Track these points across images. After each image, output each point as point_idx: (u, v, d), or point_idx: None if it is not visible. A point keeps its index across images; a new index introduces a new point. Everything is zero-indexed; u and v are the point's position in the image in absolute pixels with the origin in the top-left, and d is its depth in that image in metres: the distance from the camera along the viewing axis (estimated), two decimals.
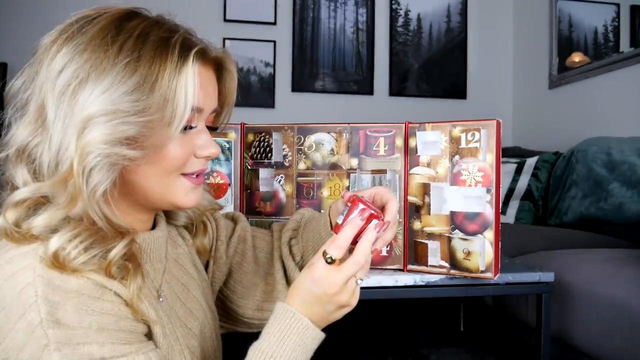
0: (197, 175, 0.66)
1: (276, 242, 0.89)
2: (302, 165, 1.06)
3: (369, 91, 3.25)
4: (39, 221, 0.55)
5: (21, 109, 0.60)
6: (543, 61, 3.00)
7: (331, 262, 0.63)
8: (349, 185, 1.04)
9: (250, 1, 3.09)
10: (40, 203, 0.57)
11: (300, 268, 0.86)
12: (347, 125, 1.04)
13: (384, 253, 1.03)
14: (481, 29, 3.37)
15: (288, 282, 0.86)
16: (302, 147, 1.06)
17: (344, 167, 1.04)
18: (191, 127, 0.63)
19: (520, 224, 2.32)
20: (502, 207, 2.41)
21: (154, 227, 0.71)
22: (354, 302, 0.65)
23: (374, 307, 2.20)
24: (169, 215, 0.78)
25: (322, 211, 1.04)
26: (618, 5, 2.56)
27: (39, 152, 0.57)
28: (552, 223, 2.25)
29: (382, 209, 0.74)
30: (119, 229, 0.59)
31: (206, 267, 0.84)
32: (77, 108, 0.55)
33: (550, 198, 2.33)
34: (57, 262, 0.53)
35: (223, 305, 0.86)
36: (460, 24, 3.34)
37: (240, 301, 0.85)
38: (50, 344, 0.50)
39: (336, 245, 0.63)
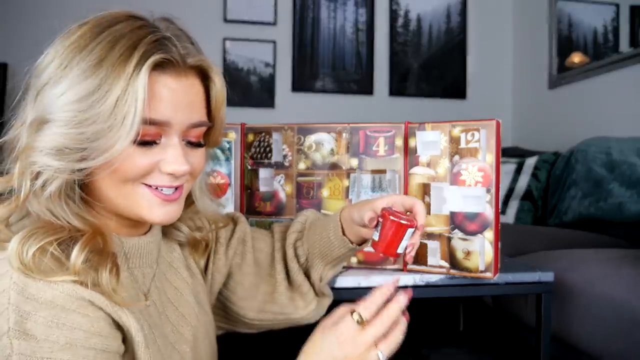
0: (165, 191, 0.62)
1: (277, 243, 0.88)
2: (302, 165, 1.06)
3: (369, 91, 3.26)
4: None
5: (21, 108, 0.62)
6: (543, 61, 3.00)
7: (361, 322, 0.60)
8: (348, 186, 1.04)
9: (250, 1, 3.09)
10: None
11: (305, 270, 0.86)
12: (347, 125, 1.04)
13: None
14: (481, 29, 3.37)
15: (290, 283, 0.86)
16: (302, 147, 1.06)
17: (344, 167, 1.04)
18: (155, 143, 0.59)
19: (520, 224, 2.33)
20: (501, 207, 2.41)
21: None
22: None
23: None
24: (165, 230, 0.76)
25: (322, 211, 1.04)
26: (617, 5, 2.56)
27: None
28: (551, 223, 2.25)
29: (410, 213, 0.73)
30: (79, 228, 0.58)
31: (205, 269, 0.83)
32: (40, 108, 0.57)
33: (550, 198, 2.33)
34: (25, 265, 0.52)
35: (223, 306, 0.86)
36: (460, 24, 3.34)
37: (240, 302, 0.84)
38: (13, 354, 0.49)
39: (367, 307, 0.61)
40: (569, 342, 1.35)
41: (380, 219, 0.67)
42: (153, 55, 0.57)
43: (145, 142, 0.58)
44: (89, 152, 0.55)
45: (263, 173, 1.07)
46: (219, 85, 0.66)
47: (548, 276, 1.06)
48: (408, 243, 0.67)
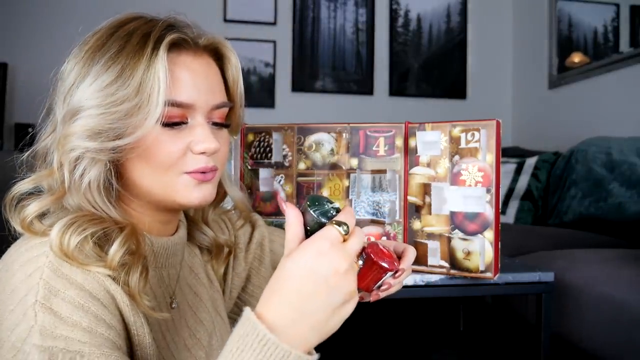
0: (205, 173, 0.63)
1: None
2: (302, 165, 1.06)
3: (369, 91, 3.26)
4: (30, 208, 0.58)
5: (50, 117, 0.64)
6: (543, 61, 3.00)
7: (346, 233, 0.49)
8: (349, 186, 1.04)
9: (250, 1, 3.09)
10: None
11: None
12: (347, 125, 1.04)
13: None
14: (481, 29, 3.37)
15: None
16: (302, 147, 1.06)
17: (344, 167, 1.04)
18: (183, 123, 0.61)
19: (520, 224, 2.33)
20: (502, 207, 2.41)
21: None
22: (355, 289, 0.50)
23: (373, 307, 2.20)
24: (190, 232, 0.76)
25: None
26: (618, 5, 2.56)
27: (52, 156, 0.60)
28: (551, 223, 2.25)
29: (400, 257, 0.68)
30: (116, 219, 0.59)
31: (224, 275, 0.82)
32: (69, 105, 0.59)
33: (550, 198, 2.33)
34: (64, 252, 0.54)
35: (240, 311, 0.85)
36: (460, 23, 3.34)
37: None
38: (36, 326, 0.50)
39: (347, 215, 0.51)
40: (569, 342, 1.35)
41: (364, 254, 0.64)
42: (167, 35, 0.59)
43: (172, 124, 0.60)
44: (122, 130, 0.57)
45: (263, 173, 1.07)
46: (234, 62, 0.67)
47: (548, 276, 1.06)
48: (384, 282, 0.64)
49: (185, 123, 0.61)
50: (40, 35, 2.85)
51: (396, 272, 0.63)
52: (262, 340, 0.44)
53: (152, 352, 0.59)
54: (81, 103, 0.57)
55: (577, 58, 2.76)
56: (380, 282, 0.63)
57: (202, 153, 0.62)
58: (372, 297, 0.65)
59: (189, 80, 0.60)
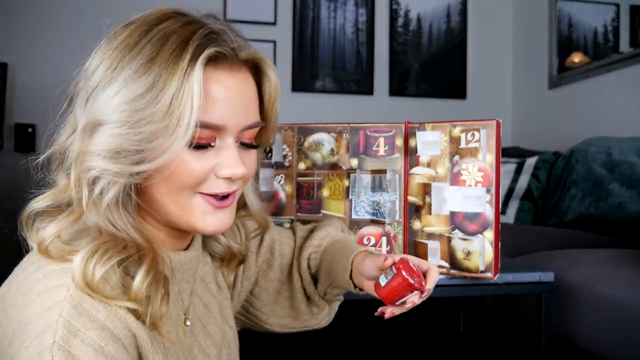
0: (222, 198, 0.59)
1: (297, 251, 0.86)
2: (302, 165, 1.06)
3: (369, 91, 3.26)
4: (48, 231, 0.53)
5: (70, 114, 0.59)
6: (543, 61, 3.00)
7: None
8: (349, 186, 1.04)
9: (250, 1, 3.09)
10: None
11: (314, 281, 0.84)
12: (347, 125, 1.04)
13: (383, 253, 1.03)
14: (481, 29, 3.37)
15: (305, 292, 0.85)
16: (302, 147, 1.06)
17: (344, 167, 1.04)
18: (210, 145, 0.56)
19: (520, 224, 2.32)
20: (502, 207, 2.41)
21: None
22: None
23: (373, 307, 2.19)
24: (203, 241, 0.73)
25: (322, 211, 1.04)
26: (618, 5, 2.56)
27: (71, 160, 0.56)
28: (551, 223, 2.25)
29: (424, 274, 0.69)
30: (138, 241, 0.55)
31: (234, 279, 0.80)
32: (91, 112, 0.54)
33: (550, 198, 2.33)
34: (88, 284, 0.50)
35: (246, 312, 0.85)
36: (460, 24, 3.34)
37: (264, 308, 0.83)
38: None
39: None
40: (569, 342, 1.35)
41: (394, 269, 0.66)
42: (206, 48, 0.54)
43: (199, 146, 0.55)
44: (146, 154, 0.52)
45: (263, 173, 1.07)
46: (273, 80, 0.63)
47: (548, 276, 1.06)
48: (409, 299, 0.66)
49: (213, 145, 0.57)
50: (40, 35, 2.85)
51: (422, 292, 0.64)
52: None
53: None
54: (105, 114, 0.53)
55: (577, 58, 2.76)
56: (404, 298, 0.63)
57: (227, 178, 0.58)
58: (388, 314, 0.67)
59: (222, 99, 0.56)
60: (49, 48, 2.85)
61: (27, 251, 0.57)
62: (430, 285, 0.66)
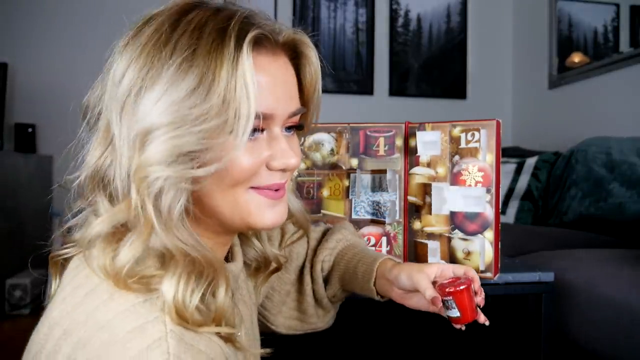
0: (276, 190, 0.56)
1: (310, 252, 0.86)
2: (302, 165, 1.06)
3: (369, 91, 3.26)
4: (124, 255, 0.47)
5: (94, 126, 0.54)
6: (543, 61, 3.00)
7: None
8: (349, 186, 1.04)
9: (250, 1, 3.09)
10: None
11: (325, 282, 0.84)
12: (347, 125, 1.04)
13: (383, 253, 1.03)
14: (481, 29, 3.37)
15: (315, 294, 0.84)
16: (302, 147, 1.06)
17: (344, 167, 1.04)
18: (261, 130, 0.53)
19: (520, 224, 2.32)
20: (502, 207, 2.41)
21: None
22: None
23: (373, 307, 2.19)
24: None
25: (322, 211, 1.04)
26: (618, 5, 2.56)
27: (111, 175, 0.51)
28: (552, 223, 2.25)
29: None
30: (207, 258, 0.50)
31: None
32: (135, 121, 0.48)
33: (550, 198, 2.33)
34: (181, 314, 0.46)
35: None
36: (460, 24, 3.34)
37: (274, 309, 0.83)
38: None
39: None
40: (569, 342, 1.35)
41: (448, 298, 0.67)
42: (249, 32, 0.50)
43: (250, 139, 0.51)
44: (210, 153, 0.48)
45: None
46: (314, 62, 0.59)
47: (548, 276, 1.06)
48: (478, 299, 0.68)
49: (260, 137, 0.53)
50: (40, 35, 2.85)
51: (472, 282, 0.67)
52: None
53: None
54: (154, 120, 0.47)
55: (577, 58, 2.76)
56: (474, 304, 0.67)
57: (282, 170, 0.55)
58: (481, 318, 0.70)
59: (269, 87, 0.52)
60: (49, 48, 2.85)
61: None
62: (471, 273, 0.70)
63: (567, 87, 2.81)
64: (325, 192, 1.05)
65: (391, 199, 1.02)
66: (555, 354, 1.28)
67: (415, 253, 1.01)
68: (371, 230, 1.03)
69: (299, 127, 0.60)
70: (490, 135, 0.94)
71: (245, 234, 0.69)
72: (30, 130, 2.73)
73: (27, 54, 2.83)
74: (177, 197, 0.48)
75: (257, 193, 0.54)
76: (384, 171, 1.02)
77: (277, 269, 0.73)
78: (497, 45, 3.38)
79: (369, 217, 1.03)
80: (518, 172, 2.47)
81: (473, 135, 0.95)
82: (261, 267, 0.71)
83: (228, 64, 0.48)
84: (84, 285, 0.49)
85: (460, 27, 3.34)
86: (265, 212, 0.55)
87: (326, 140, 1.05)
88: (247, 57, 0.48)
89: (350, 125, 1.04)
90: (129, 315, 0.45)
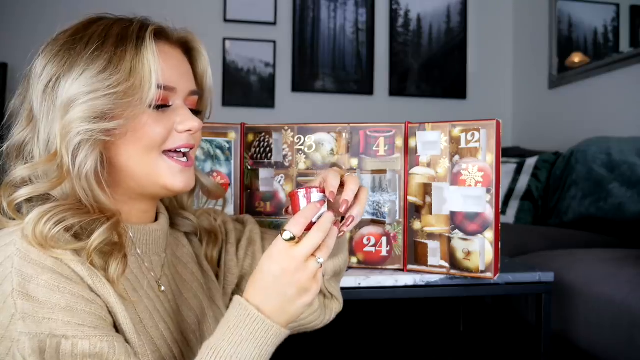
0: (184, 156, 0.68)
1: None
2: (302, 165, 1.06)
3: (369, 91, 3.26)
4: (22, 192, 0.60)
5: (19, 117, 0.66)
6: (543, 61, 3.00)
7: (290, 239, 0.61)
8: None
9: (250, 1, 3.09)
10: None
11: None
12: (347, 125, 1.04)
13: (383, 253, 1.03)
14: (481, 29, 3.37)
15: None
16: (302, 147, 1.06)
17: (344, 167, 1.04)
18: (167, 106, 0.66)
19: (520, 224, 2.32)
20: (502, 207, 2.41)
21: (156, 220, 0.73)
22: (315, 287, 0.62)
23: (373, 307, 2.20)
24: (172, 220, 0.79)
25: None
26: (618, 5, 2.56)
27: (30, 148, 0.63)
28: (552, 223, 2.25)
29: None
30: (105, 210, 0.61)
31: (217, 270, 0.84)
32: (57, 100, 0.61)
33: (550, 198, 2.33)
34: (36, 237, 0.56)
35: None
36: (460, 24, 3.34)
37: None
38: (17, 313, 0.53)
39: (295, 223, 0.62)
40: (569, 342, 1.35)
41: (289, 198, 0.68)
42: (150, 26, 0.64)
43: (158, 106, 0.64)
44: (120, 111, 0.61)
45: (263, 173, 1.07)
46: (204, 55, 0.73)
47: (548, 276, 1.06)
48: (332, 216, 0.65)
49: (169, 106, 0.66)
50: (40, 35, 2.84)
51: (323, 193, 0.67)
52: (252, 317, 0.60)
53: (130, 330, 0.60)
54: (73, 93, 0.60)
55: (577, 58, 2.76)
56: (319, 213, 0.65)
57: (188, 131, 0.67)
58: (340, 235, 0.68)
59: (171, 64, 0.65)
60: None
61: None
62: (346, 195, 0.68)
63: (567, 87, 2.81)
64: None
65: (391, 199, 1.02)
66: (555, 354, 1.28)
67: (415, 253, 1.01)
68: (371, 230, 1.03)
69: (198, 112, 0.73)
70: (490, 135, 0.94)
71: (174, 209, 0.80)
72: None
73: (27, 54, 2.82)
74: (91, 152, 0.60)
75: (169, 158, 0.66)
76: (384, 171, 1.02)
77: (217, 237, 0.83)
78: (497, 45, 3.38)
79: (369, 217, 1.03)
80: (518, 172, 2.47)
81: (473, 135, 0.95)
82: (205, 239, 0.82)
83: (132, 46, 0.62)
84: None
85: (460, 27, 3.33)
86: (177, 175, 0.67)
87: (326, 140, 1.05)
88: (149, 41, 0.62)
89: (350, 125, 1.04)
90: None
